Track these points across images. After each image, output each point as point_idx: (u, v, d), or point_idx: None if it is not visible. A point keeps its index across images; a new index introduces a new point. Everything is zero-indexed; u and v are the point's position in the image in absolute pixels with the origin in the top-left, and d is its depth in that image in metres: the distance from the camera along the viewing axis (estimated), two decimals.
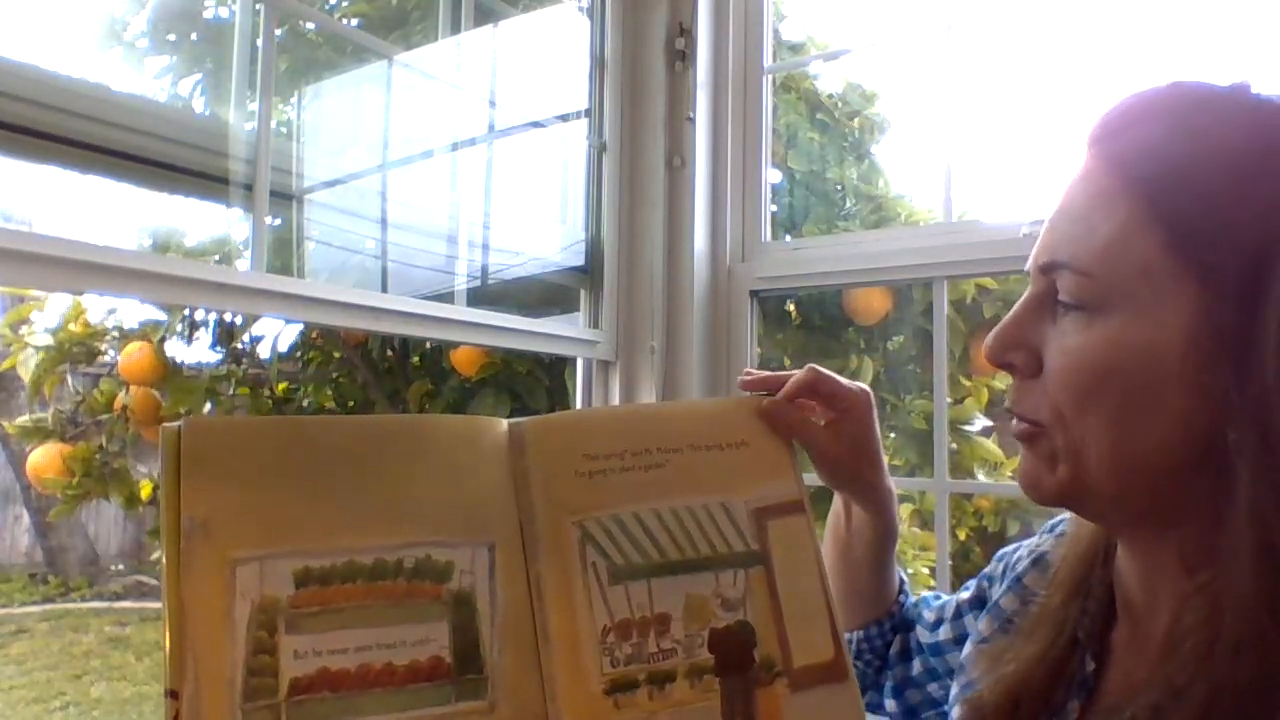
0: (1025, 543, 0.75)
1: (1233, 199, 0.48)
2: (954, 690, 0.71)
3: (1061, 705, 0.58)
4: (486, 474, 0.58)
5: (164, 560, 0.49)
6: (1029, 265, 0.57)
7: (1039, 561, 0.69)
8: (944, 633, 0.79)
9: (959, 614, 0.79)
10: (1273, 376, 0.45)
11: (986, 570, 0.79)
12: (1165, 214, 0.49)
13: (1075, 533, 0.65)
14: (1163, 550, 0.54)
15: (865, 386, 0.74)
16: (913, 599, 0.86)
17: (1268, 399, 0.45)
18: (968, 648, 0.72)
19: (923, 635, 0.81)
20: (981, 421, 2.22)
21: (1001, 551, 0.78)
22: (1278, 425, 0.45)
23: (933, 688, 0.81)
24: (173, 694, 0.47)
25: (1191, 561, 0.51)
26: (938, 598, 0.84)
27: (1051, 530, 0.72)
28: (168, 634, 0.48)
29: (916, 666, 0.82)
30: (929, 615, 0.82)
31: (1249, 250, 0.47)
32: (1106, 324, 0.50)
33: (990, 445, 2.18)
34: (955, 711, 0.67)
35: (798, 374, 0.73)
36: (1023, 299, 0.56)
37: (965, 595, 0.79)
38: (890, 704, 0.84)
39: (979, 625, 0.72)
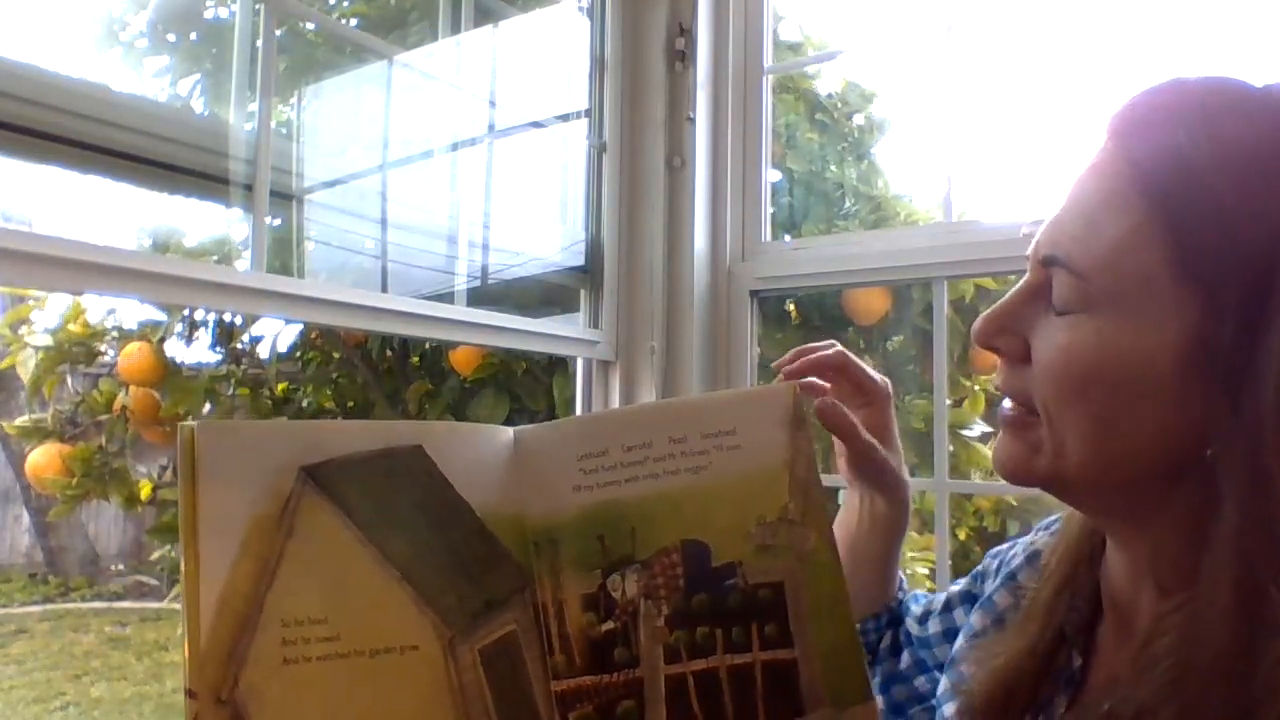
0: (1020, 541, 0.75)
1: (1246, 217, 0.45)
2: (944, 684, 0.71)
3: (1049, 699, 0.58)
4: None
5: (183, 558, 0.47)
6: (1029, 250, 0.56)
7: (1033, 558, 0.69)
8: (933, 626, 0.79)
9: (948, 607, 0.78)
10: (1270, 409, 0.44)
11: (979, 568, 0.78)
12: (1177, 227, 0.47)
13: (1066, 528, 0.65)
14: (1141, 548, 0.55)
15: (884, 378, 0.74)
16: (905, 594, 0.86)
17: (1261, 432, 0.44)
18: (960, 641, 0.72)
19: (912, 628, 0.81)
20: (980, 427, 2.20)
21: (995, 550, 0.78)
22: (1269, 461, 0.44)
23: (920, 681, 0.80)
24: (191, 694, 0.46)
25: (1167, 573, 0.51)
26: (927, 597, 0.84)
27: (1047, 529, 0.72)
28: (187, 631, 0.46)
29: (905, 660, 0.82)
30: (917, 609, 0.82)
31: (1256, 271, 0.45)
32: (1095, 324, 0.49)
33: (989, 453, 2.17)
34: (948, 705, 0.67)
35: (825, 352, 0.72)
36: (1018, 286, 0.55)
37: (955, 589, 0.79)
38: (878, 700, 0.84)
39: (971, 619, 0.72)
